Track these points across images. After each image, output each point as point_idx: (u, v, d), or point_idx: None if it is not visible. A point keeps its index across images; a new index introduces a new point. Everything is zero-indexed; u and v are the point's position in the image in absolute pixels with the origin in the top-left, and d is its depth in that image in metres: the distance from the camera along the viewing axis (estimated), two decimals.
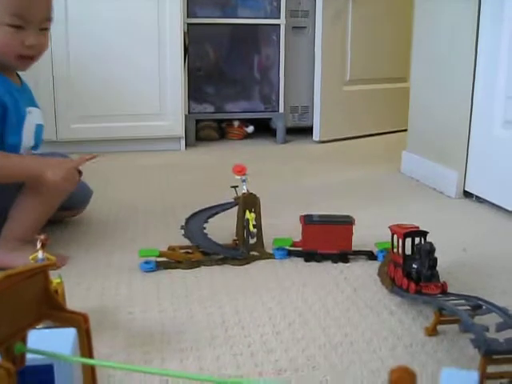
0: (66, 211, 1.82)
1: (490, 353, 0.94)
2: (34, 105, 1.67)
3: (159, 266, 1.52)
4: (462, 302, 1.19)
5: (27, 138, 1.59)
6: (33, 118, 1.62)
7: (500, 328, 1.04)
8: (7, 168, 1.49)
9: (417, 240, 1.35)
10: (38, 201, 1.56)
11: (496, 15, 2.04)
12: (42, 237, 1.08)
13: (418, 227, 1.38)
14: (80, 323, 0.68)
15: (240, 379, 1.02)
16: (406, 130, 2.80)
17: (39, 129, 1.65)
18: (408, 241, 1.35)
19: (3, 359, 0.61)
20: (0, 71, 1.54)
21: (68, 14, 2.90)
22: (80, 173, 1.57)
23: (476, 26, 2.12)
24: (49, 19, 1.54)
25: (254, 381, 0.99)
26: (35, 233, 1.48)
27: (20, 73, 1.67)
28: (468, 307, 1.16)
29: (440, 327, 1.19)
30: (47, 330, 0.91)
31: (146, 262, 1.51)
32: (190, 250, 1.59)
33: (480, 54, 2.13)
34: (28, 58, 1.54)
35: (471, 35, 2.13)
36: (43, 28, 1.53)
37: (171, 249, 1.58)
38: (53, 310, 0.67)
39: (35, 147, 1.66)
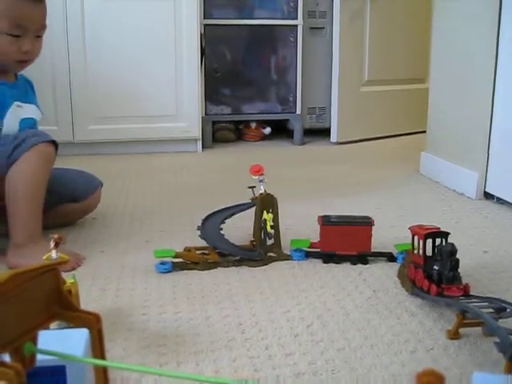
0: (73, 203, 1.83)
1: None
2: (26, 100, 1.71)
3: (175, 267, 1.50)
4: (485, 304, 1.16)
5: (9, 126, 1.63)
6: (19, 111, 1.67)
7: None
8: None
9: (438, 241, 1.32)
10: (24, 189, 1.54)
11: None
12: (56, 236, 1.06)
13: (439, 228, 1.35)
14: (92, 323, 0.65)
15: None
16: (423, 132, 2.77)
17: (28, 121, 1.69)
18: (429, 242, 1.32)
19: (12, 359, 0.60)
20: None
21: (85, 19, 2.90)
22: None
23: (497, 24, 2.08)
24: (44, 27, 1.65)
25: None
26: (37, 223, 1.56)
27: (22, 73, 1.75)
28: (491, 310, 1.13)
29: (462, 330, 1.16)
30: (59, 331, 0.89)
31: (162, 263, 1.49)
32: (206, 251, 1.56)
33: (501, 53, 2.09)
34: (24, 61, 1.66)
35: (492, 34, 2.10)
36: (38, 35, 1.64)
37: (187, 250, 1.56)
38: (64, 310, 0.65)
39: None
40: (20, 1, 1.59)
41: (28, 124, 1.69)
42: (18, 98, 1.68)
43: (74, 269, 1.50)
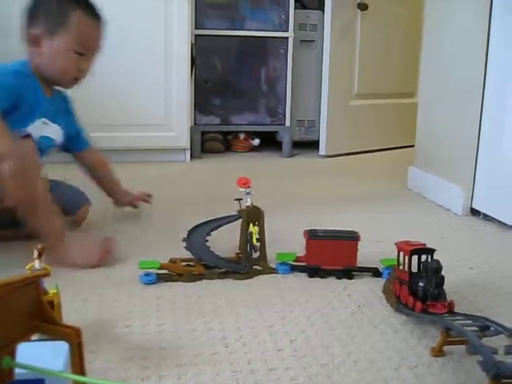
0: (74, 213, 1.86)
1: (499, 376, 0.91)
2: (54, 120, 1.76)
3: (160, 278, 1.49)
4: (470, 322, 1.16)
5: None
6: (43, 127, 1.72)
7: (509, 351, 1.01)
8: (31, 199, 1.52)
9: (423, 257, 1.32)
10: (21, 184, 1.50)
11: (506, 31, 2.02)
12: (40, 246, 1.05)
13: (424, 244, 1.35)
14: (72, 337, 0.65)
15: None
16: (412, 146, 2.78)
17: (46, 140, 1.75)
18: (414, 258, 1.32)
19: None
20: (39, 80, 1.71)
21: None
22: None
23: (486, 42, 2.10)
24: (101, 47, 1.77)
25: None
26: (57, 217, 1.59)
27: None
28: (476, 328, 1.13)
29: (446, 348, 1.16)
30: (39, 343, 0.88)
31: (147, 274, 1.48)
32: (191, 263, 1.56)
33: (490, 70, 2.10)
34: (77, 79, 1.76)
35: (481, 51, 2.11)
36: (93, 55, 1.76)
37: (172, 261, 1.55)
38: (44, 323, 0.64)
39: None
40: (87, 19, 1.70)
41: (45, 142, 1.74)
42: (48, 115, 1.74)
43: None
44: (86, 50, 1.71)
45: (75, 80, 1.76)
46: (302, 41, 3.47)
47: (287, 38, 3.38)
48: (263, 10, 3.39)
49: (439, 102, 2.45)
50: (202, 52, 3.29)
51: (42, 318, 0.64)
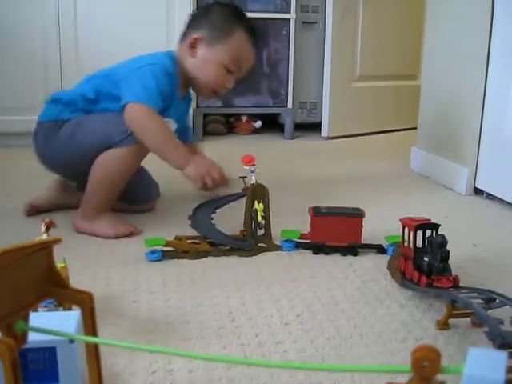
0: (127, 204, 1.88)
1: (505, 346, 0.91)
2: (176, 117, 1.82)
3: (165, 255, 1.49)
4: (475, 295, 1.16)
5: None
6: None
7: None
8: (159, 143, 1.64)
9: (428, 233, 1.32)
10: (108, 173, 1.66)
11: (510, 10, 2.01)
12: (47, 220, 1.06)
13: (429, 220, 1.35)
14: (85, 302, 0.65)
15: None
16: (414, 129, 2.78)
17: None
18: (419, 233, 1.32)
19: (4, 337, 0.59)
20: (180, 81, 1.78)
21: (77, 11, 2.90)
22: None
23: (489, 21, 2.09)
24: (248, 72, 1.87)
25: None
26: (108, 204, 1.70)
27: None
28: (481, 301, 1.13)
29: (452, 321, 1.17)
30: (50, 313, 0.89)
31: (152, 252, 1.49)
32: (197, 241, 1.56)
33: (493, 49, 2.09)
34: (216, 94, 1.85)
35: (484, 31, 2.10)
36: (239, 77, 1.83)
37: (178, 239, 1.56)
38: (57, 288, 0.65)
39: None
40: (246, 41, 1.78)
41: None
42: (173, 116, 1.79)
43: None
44: (237, 68, 1.78)
45: (214, 93, 1.83)
46: (304, 22, 3.46)
47: (289, 19, 3.37)
48: None
49: (442, 83, 2.44)
50: None
51: (55, 284, 0.65)
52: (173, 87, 1.74)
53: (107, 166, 1.66)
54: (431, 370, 0.48)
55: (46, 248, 0.64)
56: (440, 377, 0.50)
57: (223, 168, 1.65)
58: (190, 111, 2.03)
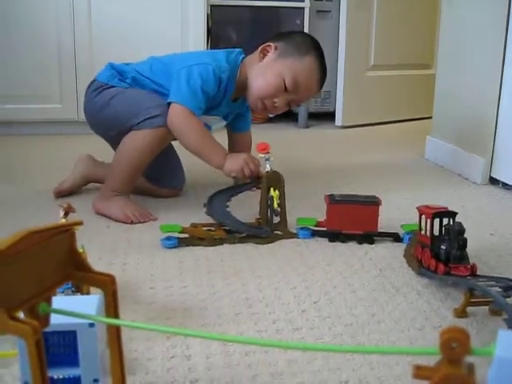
0: (153, 185, 1.91)
1: None
2: (224, 117, 1.88)
3: (181, 242, 1.49)
4: (493, 283, 1.15)
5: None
6: (210, 120, 1.81)
7: None
8: (194, 146, 1.70)
9: (445, 221, 1.32)
10: (129, 153, 1.69)
11: None
12: (65, 205, 1.06)
13: (446, 208, 1.34)
14: (107, 284, 0.65)
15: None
16: (428, 118, 2.77)
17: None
18: (436, 222, 1.31)
19: (27, 318, 0.59)
20: (236, 83, 1.80)
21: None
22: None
23: (507, 9, 2.07)
24: (306, 100, 1.91)
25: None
26: (128, 186, 1.72)
27: None
28: (499, 289, 1.13)
29: (469, 309, 1.16)
30: (70, 297, 0.89)
31: (168, 239, 1.49)
32: (212, 228, 1.56)
33: (510, 38, 2.07)
34: (264, 110, 1.83)
35: (501, 19, 2.08)
36: (290, 103, 1.80)
37: (194, 226, 1.56)
38: (79, 271, 0.65)
39: None
40: (313, 66, 1.77)
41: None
42: (221, 114, 1.86)
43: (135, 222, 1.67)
44: (294, 89, 1.75)
45: (263, 105, 1.79)
46: (318, 11, 3.44)
47: (303, 8, 3.36)
48: None
49: (458, 72, 2.42)
50: (217, 23, 3.26)
51: (77, 266, 0.65)
52: (224, 90, 1.77)
53: (130, 146, 1.69)
54: (460, 352, 0.47)
55: (68, 230, 0.64)
56: (468, 359, 0.49)
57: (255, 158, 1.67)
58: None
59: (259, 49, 1.80)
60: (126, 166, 1.70)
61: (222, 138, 1.92)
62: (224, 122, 1.90)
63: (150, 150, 1.70)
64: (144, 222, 1.67)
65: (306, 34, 1.95)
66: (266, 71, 1.76)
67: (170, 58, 1.83)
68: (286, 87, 1.74)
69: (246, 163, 1.62)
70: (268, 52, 1.78)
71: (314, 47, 1.80)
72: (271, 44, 1.78)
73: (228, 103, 1.83)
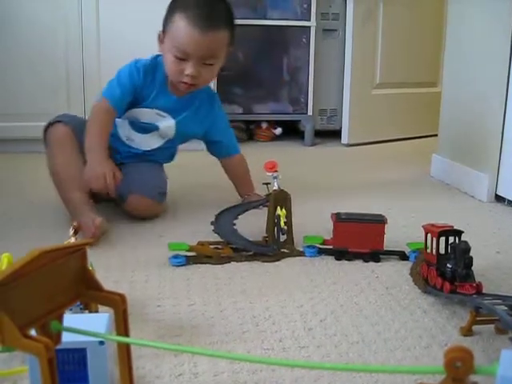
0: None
1: None
2: (174, 116, 1.93)
3: (189, 260, 1.50)
4: (499, 301, 1.16)
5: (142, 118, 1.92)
6: (155, 117, 1.91)
7: None
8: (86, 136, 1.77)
9: (451, 239, 1.32)
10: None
11: None
12: (75, 224, 1.07)
13: (452, 226, 1.35)
14: (118, 303, 0.66)
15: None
16: (434, 136, 2.77)
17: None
18: (442, 240, 1.32)
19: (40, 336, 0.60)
20: (163, 74, 1.88)
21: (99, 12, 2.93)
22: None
23: (511, 28, 2.09)
24: (212, 56, 1.78)
25: None
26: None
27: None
28: (505, 307, 1.13)
29: (475, 327, 1.17)
30: (80, 315, 0.90)
31: (176, 257, 1.50)
32: (219, 246, 1.57)
33: None
34: (186, 84, 1.80)
35: (505, 38, 2.10)
36: (207, 63, 1.78)
37: (201, 244, 1.57)
38: (90, 290, 0.66)
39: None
40: (188, 28, 1.73)
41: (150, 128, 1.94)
42: (168, 110, 1.91)
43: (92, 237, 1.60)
44: (185, 55, 1.75)
45: (184, 84, 1.81)
46: (324, 30, 3.47)
47: (309, 27, 3.38)
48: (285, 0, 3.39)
49: (463, 89, 2.44)
50: None
51: (88, 285, 0.66)
52: (152, 78, 1.88)
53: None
54: (464, 371, 0.48)
55: (80, 250, 0.65)
56: (472, 378, 0.50)
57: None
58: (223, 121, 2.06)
59: (158, 40, 1.85)
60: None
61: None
62: (172, 121, 1.92)
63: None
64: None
65: None
66: (164, 58, 1.83)
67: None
68: (179, 58, 1.77)
69: (99, 176, 1.68)
70: (161, 41, 1.83)
71: (176, 5, 1.79)
72: (159, 32, 1.83)
73: (166, 94, 1.90)
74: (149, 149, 1.98)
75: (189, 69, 1.76)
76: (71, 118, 1.91)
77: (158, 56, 1.90)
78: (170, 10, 1.79)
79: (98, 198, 1.85)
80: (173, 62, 1.78)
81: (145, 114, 1.90)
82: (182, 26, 1.73)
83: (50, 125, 1.87)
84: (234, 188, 2.10)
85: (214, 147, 2.06)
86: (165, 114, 1.91)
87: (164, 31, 1.81)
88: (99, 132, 1.77)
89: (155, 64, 1.89)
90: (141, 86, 1.85)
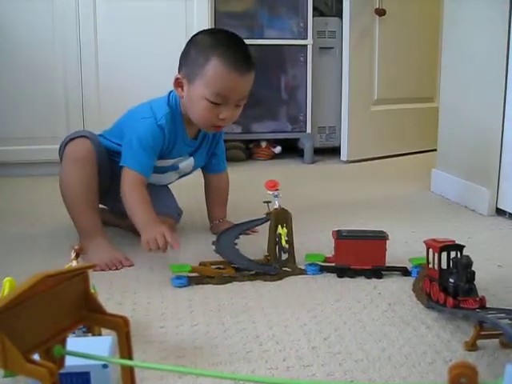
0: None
1: None
2: (190, 155, 1.88)
3: (191, 281, 1.50)
4: (503, 315, 1.16)
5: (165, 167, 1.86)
6: (177, 160, 1.86)
7: None
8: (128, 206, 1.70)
9: (452, 254, 1.32)
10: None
11: None
12: (77, 247, 1.07)
13: (453, 241, 1.35)
14: (120, 326, 0.66)
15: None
16: (433, 151, 2.78)
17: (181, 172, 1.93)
18: (444, 255, 1.32)
19: (43, 360, 0.60)
20: (184, 121, 1.79)
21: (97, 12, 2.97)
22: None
23: (507, 43, 2.10)
24: (245, 97, 1.72)
25: None
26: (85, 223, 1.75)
27: None
28: (509, 321, 1.13)
29: (480, 342, 1.16)
30: (83, 338, 0.90)
31: (178, 277, 1.50)
32: (221, 266, 1.57)
33: (511, 70, 2.10)
34: (219, 127, 1.76)
35: (502, 52, 2.11)
36: (239, 104, 1.72)
37: (202, 264, 1.57)
38: (93, 313, 0.66)
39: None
40: (227, 72, 1.63)
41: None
42: (186, 153, 1.86)
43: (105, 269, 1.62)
44: (224, 100, 1.66)
45: (215, 127, 1.75)
46: (321, 48, 3.49)
47: (306, 45, 3.40)
48: (281, 19, 3.41)
49: (460, 105, 2.45)
50: None
51: (91, 308, 0.66)
52: (173, 131, 1.77)
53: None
54: None
55: (82, 273, 0.65)
56: None
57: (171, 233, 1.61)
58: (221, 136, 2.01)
59: (174, 85, 1.74)
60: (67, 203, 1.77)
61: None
62: (191, 159, 1.88)
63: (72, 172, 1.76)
64: (117, 269, 1.63)
65: (200, 35, 1.74)
66: (191, 103, 1.71)
67: (124, 115, 1.89)
68: (214, 103, 1.66)
69: (154, 238, 1.57)
70: (181, 84, 1.72)
71: (210, 48, 1.66)
72: (177, 77, 1.72)
73: (186, 141, 1.83)
74: (164, 184, 1.99)
75: (225, 113, 1.68)
76: (93, 135, 1.83)
77: (170, 93, 1.82)
78: (198, 53, 1.67)
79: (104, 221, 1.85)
80: (207, 107, 1.66)
81: (167, 163, 1.84)
82: (221, 71, 1.62)
83: (70, 140, 1.78)
84: (206, 210, 2.05)
85: (212, 160, 2.01)
86: (185, 158, 1.87)
87: (188, 75, 1.68)
88: (142, 201, 1.69)
89: (172, 108, 1.78)
90: (166, 144, 1.76)
